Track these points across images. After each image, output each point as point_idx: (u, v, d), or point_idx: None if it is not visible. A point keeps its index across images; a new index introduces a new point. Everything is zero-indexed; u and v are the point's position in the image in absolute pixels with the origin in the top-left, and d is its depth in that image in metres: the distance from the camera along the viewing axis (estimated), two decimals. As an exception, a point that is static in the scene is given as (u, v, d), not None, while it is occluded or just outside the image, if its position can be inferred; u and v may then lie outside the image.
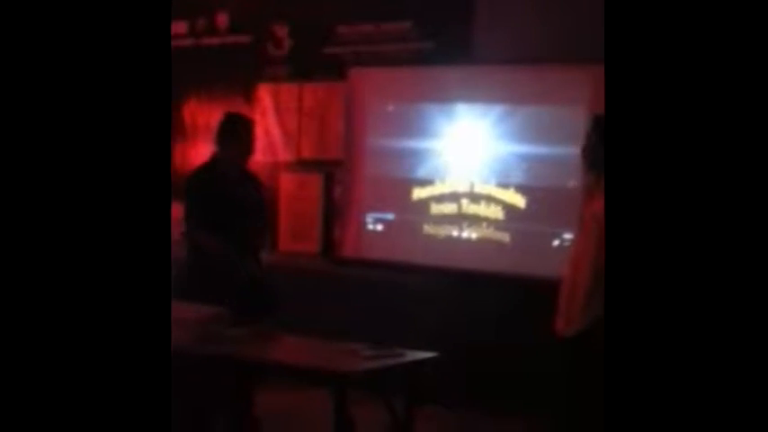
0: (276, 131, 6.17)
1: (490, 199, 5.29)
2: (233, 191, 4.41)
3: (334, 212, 5.88)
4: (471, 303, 5.31)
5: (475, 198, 5.34)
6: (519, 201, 5.20)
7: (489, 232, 5.30)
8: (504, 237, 5.25)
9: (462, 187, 5.37)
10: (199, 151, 6.16)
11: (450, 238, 5.41)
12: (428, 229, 5.48)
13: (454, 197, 5.40)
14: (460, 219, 5.38)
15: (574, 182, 4.94)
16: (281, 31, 6.18)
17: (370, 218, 5.69)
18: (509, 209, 5.23)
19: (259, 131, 5.23)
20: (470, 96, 5.33)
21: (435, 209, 5.46)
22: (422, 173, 5.49)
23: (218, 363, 3.72)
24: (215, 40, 6.43)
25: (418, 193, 5.51)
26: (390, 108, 5.64)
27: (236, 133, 4.51)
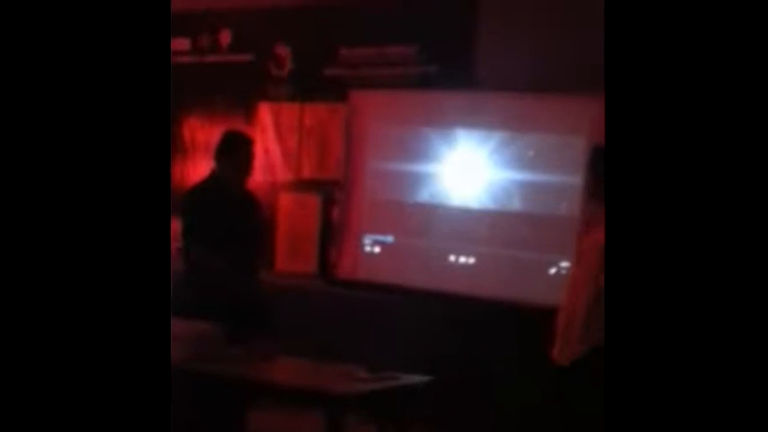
0: (275, 151, 6.17)
1: (488, 224, 5.29)
2: (230, 208, 4.40)
3: (332, 233, 5.88)
4: (467, 328, 5.29)
5: (473, 223, 5.34)
6: (517, 227, 5.20)
7: (486, 258, 5.30)
8: (502, 263, 5.25)
9: (460, 212, 5.38)
10: (198, 168, 6.16)
11: (447, 263, 5.40)
12: (425, 252, 5.47)
13: (452, 221, 5.40)
14: (458, 243, 5.38)
15: (572, 210, 4.95)
16: (284, 51, 6.20)
17: (367, 240, 5.68)
18: (507, 234, 5.23)
19: (258, 150, 5.23)
20: (471, 122, 5.35)
21: (433, 232, 5.46)
22: (420, 197, 5.49)
23: (211, 381, 3.70)
24: (217, 58, 6.45)
25: (416, 217, 5.51)
26: (390, 131, 5.65)
27: (234, 151, 4.51)
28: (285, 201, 6.12)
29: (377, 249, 5.65)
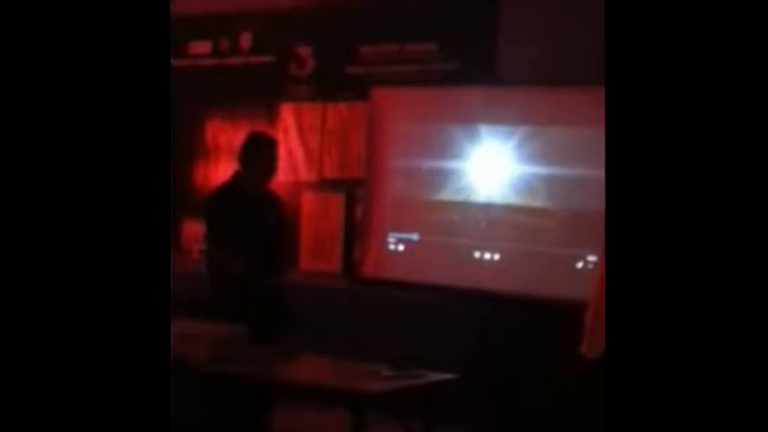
0: (298, 151, 6.17)
1: (513, 220, 5.24)
2: (254, 210, 4.40)
3: (356, 232, 5.86)
4: (494, 324, 5.26)
5: (497, 219, 5.30)
6: (543, 222, 5.15)
7: (512, 254, 5.26)
8: (528, 258, 5.20)
9: (484, 208, 5.34)
10: (220, 170, 6.17)
11: (472, 259, 5.36)
12: (450, 249, 5.44)
13: (476, 218, 5.36)
14: (483, 240, 5.34)
15: (598, 204, 4.89)
16: (304, 51, 6.20)
17: (391, 238, 5.65)
18: (533, 230, 5.18)
19: (281, 151, 5.23)
20: (494, 117, 5.31)
21: (457, 229, 5.42)
22: (444, 194, 5.45)
23: (236, 382, 3.69)
24: (238, 60, 6.46)
25: (440, 214, 5.48)
26: (413, 128, 5.62)
27: (258, 152, 4.50)
28: (308, 200, 6.11)
29: (401, 247, 5.62)
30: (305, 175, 6.15)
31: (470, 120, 5.37)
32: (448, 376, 3.86)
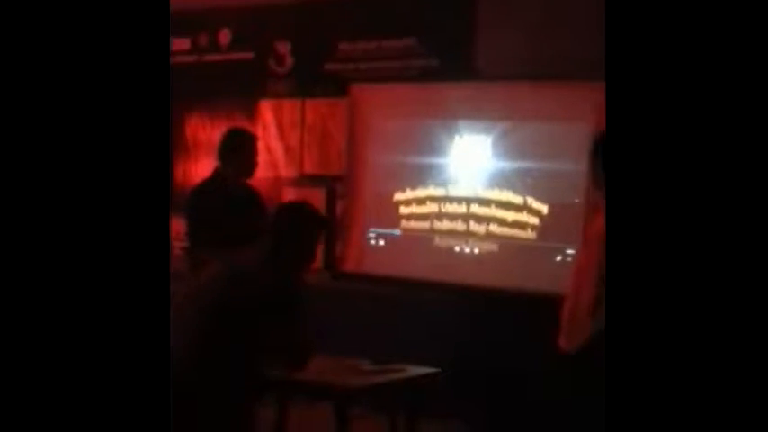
0: (278, 147, 6.18)
1: (493, 215, 5.28)
2: (235, 207, 4.40)
3: (337, 228, 5.88)
4: (475, 318, 5.29)
5: (477, 213, 5.33)
6: (522, 216, 5.19)
7: (492, 248, 5.29)
8: (508, 252, 5.24)
9: (464, 203, 5.37)
10: (200, 168, 6.17)
11: (452, 254, 5.40)
12: (430, 244, 5.47)
13: (457, 212, 5.40)
14: (463, 234, 5.38)
15: (576, 198, 4.94)
16: (283, 47, 6.20)
17: (372, 233, 5.68)
18: (512, 224, 5.22)
19: (261, 147, 5.23)
20: (473, 113, 5.33)
21: (438, 224, 5.46)
22: (425, 189, 5.48)
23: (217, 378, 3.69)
24: (217, 57, 6.45)
25: (421, 209, 5.51)
26: (392, 124, 5.65)
27: (239, 149, 4.51)
28: (289, 197, 6.11)
29: (382, 242, 5.65)
30: (285, 171, 6.16)
31: (450, 115, 5.40)
32: (430, 370, 3.89)
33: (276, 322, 3.05)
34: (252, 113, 6.26)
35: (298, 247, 3.19)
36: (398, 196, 5.57)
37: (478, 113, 5.32)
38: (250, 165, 4.53)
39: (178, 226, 4.68)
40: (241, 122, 5.97)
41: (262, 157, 5.18)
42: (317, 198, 5.99)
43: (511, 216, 5.21)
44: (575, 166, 4.93)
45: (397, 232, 5.58)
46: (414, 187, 5.52)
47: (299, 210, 3.33)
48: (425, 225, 5.49)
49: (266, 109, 6.24)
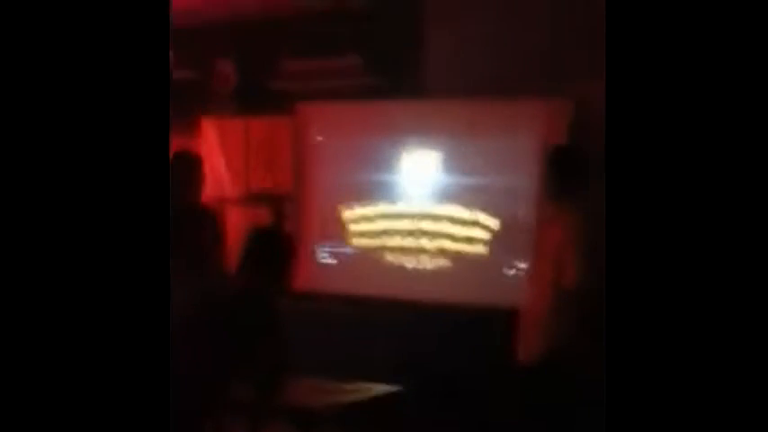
0: (222, 166, 6.13)
1: (444, 231, 5.33)
2: (190, 225, 4.35)
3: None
4: (429, 334, 5.31)
5: (428, 230, 5.37)
6: (472, 231, 5.25)
7: (444, 263, 5.34)
8: (459, 267, 5.29)
9: (414, 219, 5.41)
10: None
11: (404, 270, 5.42)
12: (380, 261, 5.49)
13: (407, 229, 5.43)
14: (414, 250, 5.41)
15: (526, 212, 5.02)
16: (227, 66, 6.16)
17: (321, 251, 5.67)
18: (463, 239, 5.27)
19: (206, 167, 5.18)
20: (421, 129, 5.38)
21: (388, 241, 5.48)
22: (374, 206, 5.50)
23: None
24: (158, 76, 6.36)
25: (371, 226, 5.52)
26: (340, 142, 5.66)
27: (184, 171, 4.47)
28: (234, 216, 6.06)
29: (332, 260, 5.65)
30: (230, 190, 6.11)
31: (398, 132, 5.44)
32: (392, 388, 3.89)
33: (249, 345, 3.02)
34: (195, 133, 6.19)
35: (270, 272, 3.17)
36: (348, 214, 5.58)
37: (426, 130, 5.37)
38: (198, 186, 4.51)
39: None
40: (184, 142, 5.89)
41: (206, 178, 5.13)
42: (264, 217, 5.96)
43: (461, 231, 5.27)
44: (523, 180, 5.02)
45: (348, 250, 5.59)
46: (363, 205, 5.53)
47: (268, 234, 3.32)
48: (376, 242, 5.50)
49: (209, 128, 6.18)
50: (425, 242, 5.37)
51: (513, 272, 5.07)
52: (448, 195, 5.30)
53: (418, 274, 5.38)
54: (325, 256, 5.66)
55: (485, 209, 5.19)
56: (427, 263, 5.37)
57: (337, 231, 5.60)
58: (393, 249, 5.46)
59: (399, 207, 5.44)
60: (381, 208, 5.49)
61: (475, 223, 5.23)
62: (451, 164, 5.29)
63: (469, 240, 5.25)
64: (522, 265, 4.94)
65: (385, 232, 5.48)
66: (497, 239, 5.15)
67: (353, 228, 5.57)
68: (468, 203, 5.23)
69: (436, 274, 5.34)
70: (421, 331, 5.30)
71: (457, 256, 5.29)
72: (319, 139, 5.72)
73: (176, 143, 5.64)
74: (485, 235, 5.20)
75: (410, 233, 5.41)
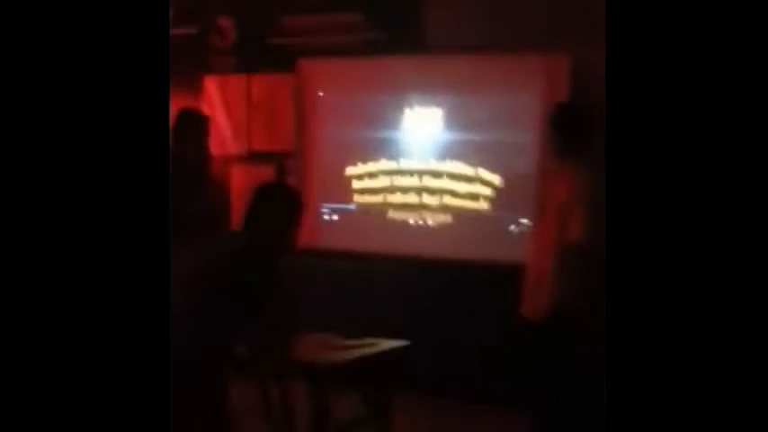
0: (225, 124, 6.12)
1: (446, 187, 5.35)
2: (196, 187, 4.37)
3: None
4: (432, 290, 5.35)
5: (430, 186, 5.39)
6: (475, 188, 5.27)
7: (446, 219, 5.37)
8: (462, 223, 5.32)
9: (416, 176, 5.42)
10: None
11: (407, 227, 5.45)
12: (384, 218, 5.51)
13: (409, 185, 5.45)
14: (417, 207, 5.43)
15: (528, 168, 5.03)
16: (227, 22, 6.12)
17: (324, 208, 5.69)
18: (465, 196, 5.29)
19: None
20: (423, 86, 5.37)
21: (391, 198, 5.50)
22: (376, 162, 5.51)
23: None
24: (158, 33, 6.31)
25: (373, 183, 5.54)
26: (342, 98, 5.64)
27: (191, 128, 4.47)
28: (238, 173, 6.08)
29: (334, 217, 5.67)
30: (233, 148, 6.10)
31: (400, 89, 5.42)
32: (400, 343, 3.93)
33: (256, 303, 3.04)
34: (196, 90, 6.17)
35: (277, 229, 3.18)
36: (350, 171, 5.59)
37: (428, 86, 5.35)
38: (205, 143, 4.51)
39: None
40: (186, 100, 5.88)
41: (210, 135, 5.14)
42: (267, 175, 5.97)
43: (464, 187, 5.29)
44: (525, 136, 5.03)
45: (351, 207, 5.61)
46: (365, 161, 5.54)
47: (276, 191, 3.33)
48: (378, 199, 5.52)
49: (211, 85, 6.16)
50: (428, 198, 5.40)
51: (515, 228, 5.10)
52: (450, 151, 5.30)
53: (421, 231, 5.41)
54: (327, 213, 5.69)
55: (487, 165, 5.20)
56: (430, 219, 5.40)
57: (340, 188, 5.62)
58: (396, 206, 5.49)
59: (401, 163, 5.46)
60: (383, 164, 5.50)
61: (477, 179, 5.25)
62: (453, 119, 5.29)
63: (472, 196, 5.27)
64: (525, 221, 4.97)
65: (387, 189, 5.50)
66: (500, 195, 5.17)
67: (356, 184, 5.58)
68: (471, 159, 5.24)
69: (439, 230, 5.37)
70: (424, 287, 5.35)
71: (459, 212, 5.31)
72: (321, 95, 5.71)
73: (177, 101, 5.66)
74: (487, 191, 5.22)
75: (412, 189, 5.43)
